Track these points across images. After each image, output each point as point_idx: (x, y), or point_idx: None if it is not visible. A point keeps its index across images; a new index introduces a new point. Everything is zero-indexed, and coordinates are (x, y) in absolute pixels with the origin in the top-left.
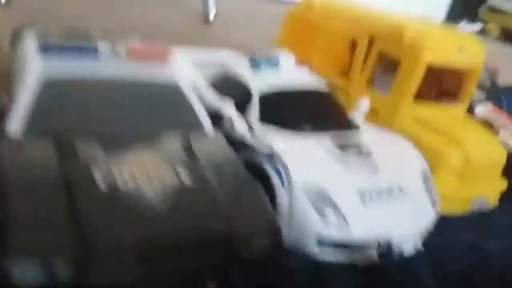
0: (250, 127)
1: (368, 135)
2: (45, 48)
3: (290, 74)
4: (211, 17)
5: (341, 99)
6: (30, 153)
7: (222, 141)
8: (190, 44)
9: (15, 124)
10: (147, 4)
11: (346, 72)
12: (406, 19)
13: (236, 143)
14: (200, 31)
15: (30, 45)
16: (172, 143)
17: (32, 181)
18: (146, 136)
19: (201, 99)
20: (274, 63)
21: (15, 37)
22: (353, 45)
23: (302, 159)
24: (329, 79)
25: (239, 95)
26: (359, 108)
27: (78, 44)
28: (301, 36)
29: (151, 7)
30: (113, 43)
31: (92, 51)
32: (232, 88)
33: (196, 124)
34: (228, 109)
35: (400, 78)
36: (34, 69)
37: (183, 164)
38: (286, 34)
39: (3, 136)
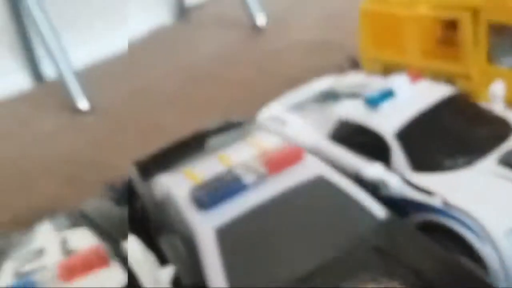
0: (405, 180)
1: None
2: (200, 202)
3: (412, 98)
4: (260, 22)
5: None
6: None
7: (398, 223)
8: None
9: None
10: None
11: (451, 57)
12: None
13: (397, 202)
14: (254, 39)
15: (181, 199)
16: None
17: None
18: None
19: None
20: (389, 93)
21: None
22: (449, 26)
23: (484, 202)
24: (438, 71)
25: (367, 142)
26: (495, 95)
27: (224, 184)
28: (385, 30)
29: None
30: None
31: (238, 185)
32: (356, 137)
33: (363, 213)
34: (372, 168)
35: None
36: (201, 223)
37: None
38: (367, 32)
39: None
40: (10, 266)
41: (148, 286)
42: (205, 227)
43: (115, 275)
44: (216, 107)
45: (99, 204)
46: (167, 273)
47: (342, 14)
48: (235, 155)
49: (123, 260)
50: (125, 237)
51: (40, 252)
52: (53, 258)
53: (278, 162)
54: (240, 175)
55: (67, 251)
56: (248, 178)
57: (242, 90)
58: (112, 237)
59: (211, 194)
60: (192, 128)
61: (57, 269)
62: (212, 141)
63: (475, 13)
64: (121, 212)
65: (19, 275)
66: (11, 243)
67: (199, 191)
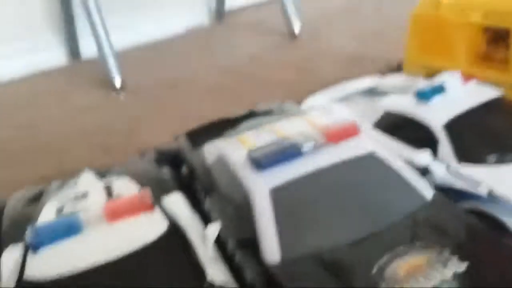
0: (451, 169)
1: None
2: (257, 162)
3: (461, 95)
4: (297, 30)
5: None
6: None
7: (446, 203)
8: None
9: (271, 250)
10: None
11: (499, 66)
12: None
13: (443, 191)
14: (292, 47)
15: (237, 161)
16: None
17: None
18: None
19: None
20: (440, 88)
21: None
22: (498, 34)
23: None
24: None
25: (414, 134)
26: None
27: (281, 148)
28: (434, 36)
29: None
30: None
31: (295, 149)
32: (403, 129)
33: (411, 189)
34: (422, 155)
35: None
36: (257, 183)
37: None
38: (415, 37)
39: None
40: (53, 205)
41: (192, 238)
42: (260, 186)
43: (159, 220)
44: (252, 103)
45: (140, 163)
46: (213, 228)
47: (379, 29)
48: (290, 128)
49: (166, 210)
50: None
51: (84, 195)
52: (97, 200)
53: (336, 133)
54: (298, 141)
55: (112, 195)
56: (306, 145)
57: (279, 90)
58: (154, 190)
59: (268, 156)
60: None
61: (103, 210)
62: (265, 119)
63: None
64: (163, 172)
65: (62, 214)
66: (51, 189)
67: (256, 153)
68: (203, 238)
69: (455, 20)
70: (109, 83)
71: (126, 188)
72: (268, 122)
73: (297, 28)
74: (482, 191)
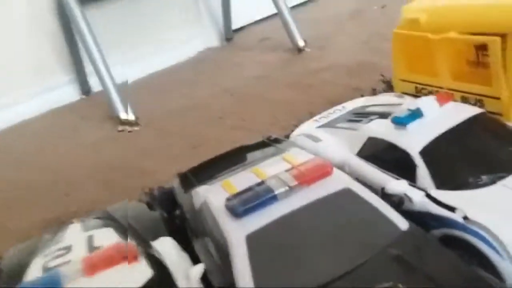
0: (428, 196)
1: None
2: (233, 211)
3: (439, 117)
4: (301, 44)
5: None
6: None
7: (420, 235)
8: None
9: None
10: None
11: (481, 79)
12: None
13: (420, 217)
14: (297, 61)
15: (217, 208)
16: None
17: None
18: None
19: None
20: (417, 113)
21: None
22: (478, 48)
23: (505, 218)
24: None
25: (396, 160)
26: None
27: (256, 195)
28: (417, 53)
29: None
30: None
31: (269, 195)
32: (385, 155)
33: (387, 223)
34: (397, 183)
35: None
36: (233, 230)
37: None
38: (399, 55)
39: None
40: (39, 262)
41: (179, 282)
42: (237, 234)
43: (141, 269)
44: (258, 125)
45: (130, 206)
46: (197, 269)
47: (388, 34)
48: (269, 169)
49: (153, 258)
50: (156, 238)
51: (67, 249)
52: (79, 254)
53: (307, 175)
54: (272, 186)
55: (92, 248)
56: (279, 190)
57: (284, 111)
58: (141, 237)
59: (244, 204)
60: (235, 143)
61: (82, 263)
62: (251, 156)
63: (504, 37)
64: (154, 216)
65: (46, 269)
66: (42, 242)
67: (232, 201)
68: (188, 279)
69: (435, 37)
70: (117, 117)
71: (108, 238)
72: (255, 162)
73: (301, 42)
74: (457, 217)
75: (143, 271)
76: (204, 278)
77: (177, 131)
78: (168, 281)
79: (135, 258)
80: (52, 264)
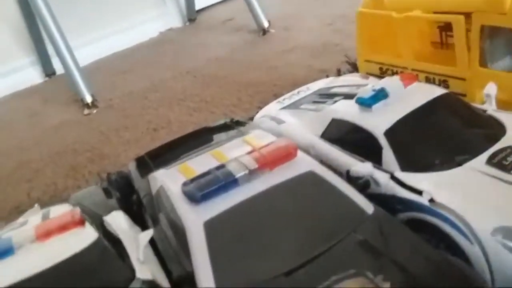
0: (394, 178)
1: None
2: (191, 196)
3: (403, 98)
4: (266, 25)
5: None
6: None
7: (386, 219)
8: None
9: (207, 284)
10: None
11: (446, 59)
12: None
13: (386, 200)
14: (262, 43)
15: (174, 193)
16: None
17: None
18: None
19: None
20: (381, 94)
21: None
22: (442, 29)
23: (472, 201)
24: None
25: (361, 142)
26: (489, 96)
27: (215, 179)
28: (381, 33)
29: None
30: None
31: (229, 179)
32: (350, 136)
33: (352, 207)
34: (362, 166)
35: None
36: (190, 217)
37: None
38: (363, 35)
39: None
40: None
41: (129, 247)
42: (194, 220)
43: (89, 232)
44: (222, 107)
45: (89, 192)
46: (145, 234)
47: (344, 20)
48: (229, 152)
49: (101, 225)
50: None
51: (23, 223)
52: (33, 224)
53: (269, 159)
54: (232, 170)
55: (46, 219)
56: (239, 174)
57: (248, 93)
58: (93, 212)
59: (202, 188)
60: (197, 125)
61: (34, 230)
62: (211, 139)
63: (468, 16)
64: (110, 201)
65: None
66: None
67: (190, 185)
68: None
69: (398, 16)
70: (80, 100)
71: (62, 212)
72: (216, 144)
73: (265, 23)
74: (424, 200)
75: (89, 234)
76: (164, 266)
77: (138, 113)
78: (115, 245)
79: (81, 223)
80: (5, 235)
